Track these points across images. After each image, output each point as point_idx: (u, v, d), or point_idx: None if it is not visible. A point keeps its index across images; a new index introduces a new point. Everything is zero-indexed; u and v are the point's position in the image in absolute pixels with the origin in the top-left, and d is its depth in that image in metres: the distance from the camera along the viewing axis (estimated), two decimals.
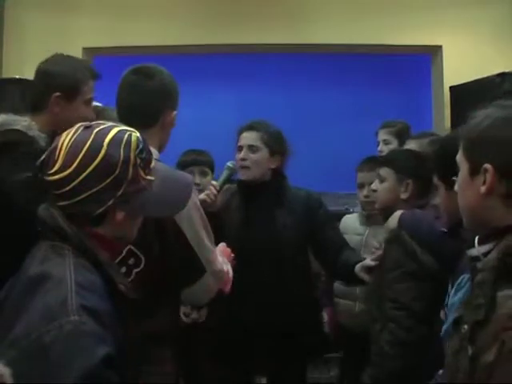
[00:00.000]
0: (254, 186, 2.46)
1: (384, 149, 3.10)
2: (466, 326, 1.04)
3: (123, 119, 1.54)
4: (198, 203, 1.70)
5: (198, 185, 2.73)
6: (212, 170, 2.85)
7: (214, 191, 2.32)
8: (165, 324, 1.66)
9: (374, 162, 2.60)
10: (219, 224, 2.35)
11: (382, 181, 2.18)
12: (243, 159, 2.42)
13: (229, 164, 2.42)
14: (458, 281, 1.45)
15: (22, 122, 1.65)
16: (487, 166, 1.06)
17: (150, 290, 1.24)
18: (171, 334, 1.74)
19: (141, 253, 1.35)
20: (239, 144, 2.47)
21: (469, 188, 1.12)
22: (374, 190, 2.23)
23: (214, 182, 2.37)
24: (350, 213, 3.10)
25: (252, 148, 2.43)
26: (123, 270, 1.35)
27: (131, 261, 1.27)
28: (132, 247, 1.27)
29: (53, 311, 0.99)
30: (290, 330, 2.35)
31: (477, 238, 1.13)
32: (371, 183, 2.64)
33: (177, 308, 1.82)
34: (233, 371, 2.43)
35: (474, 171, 1.10)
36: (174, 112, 1.67)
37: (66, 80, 1.73)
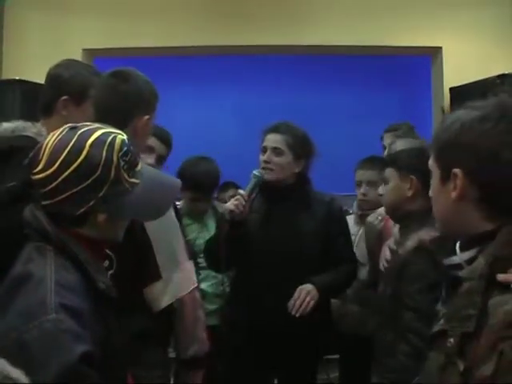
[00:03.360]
0: (277, 189, 2.39)
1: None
2: (451, 340, 0.98)
3: (97, 121, 1.55)
4: (173, 216, 1.67)
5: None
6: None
7: (243, 201, 2.25)
8: (149, 325, 1.66)
9: (373, 161, 2.59)
10: (245, 232, 2.31)
11: (386, 183, 2.09)
12: (266, 161, 2.36)
13: (255, 172, 2.34)
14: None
15: (33, 129, 1.67)
16: (456, 171, 1.03)
17: (124, 292, 1.24)
18: (158, 334, 1.72)
19: (113, 254, 1.34)
20: (263, 145, 2.40)
21: (441, 194, 1.09)
22: (381, 195, 2.13)
23: (241, 192, 2.30)
24: (348, 214, 3.10)
25: (276, 151, 2.35)
26: None
27: (105, 263, 1.27)
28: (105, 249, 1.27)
29: (33, 310, 1.00)
30: (305, 330, 2.30)
31: (458, 245, 1.09)
32: (369, 181, 2.65)
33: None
34: (245, 372, 2.39)
35: (445, 177, 1.07)
36: (146, 117, 1.65)
37: (75, 84, 1.75)
